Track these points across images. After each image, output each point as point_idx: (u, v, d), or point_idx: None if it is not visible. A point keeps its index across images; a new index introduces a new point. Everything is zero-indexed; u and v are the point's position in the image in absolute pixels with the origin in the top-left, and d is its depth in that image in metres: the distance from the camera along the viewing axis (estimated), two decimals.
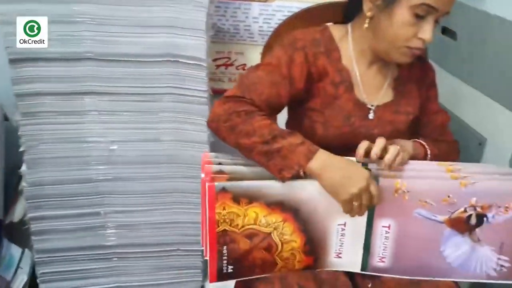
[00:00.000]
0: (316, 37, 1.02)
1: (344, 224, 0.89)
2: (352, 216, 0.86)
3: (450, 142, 1.13)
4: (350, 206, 0.84)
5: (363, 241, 0.91)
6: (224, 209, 0.85)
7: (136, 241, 1.51)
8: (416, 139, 1.06)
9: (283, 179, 0.85)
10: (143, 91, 1.34)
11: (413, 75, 1.09)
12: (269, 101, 0.95)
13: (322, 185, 0.85)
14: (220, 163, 0.91)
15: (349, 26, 1.04)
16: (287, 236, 0.89)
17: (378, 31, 0.96)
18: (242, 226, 0.87)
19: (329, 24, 1.07)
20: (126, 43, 1.29)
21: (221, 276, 0.90)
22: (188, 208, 1.50)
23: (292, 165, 0.84)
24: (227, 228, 0.86)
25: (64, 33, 1.27)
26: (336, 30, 1.05)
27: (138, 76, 1.33)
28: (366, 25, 0.97)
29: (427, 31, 0.91)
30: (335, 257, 0.92)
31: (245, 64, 1.72)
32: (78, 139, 1.37)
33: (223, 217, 0.85)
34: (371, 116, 1.03)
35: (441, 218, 0.89)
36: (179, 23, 1.29)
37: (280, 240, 0.89)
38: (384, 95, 1.06)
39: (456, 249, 0.91)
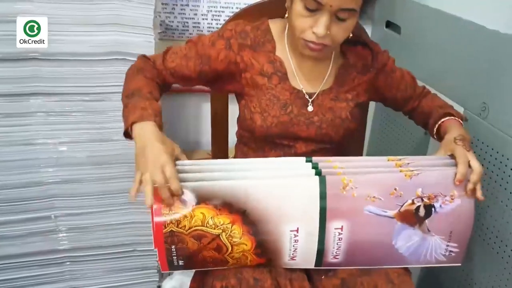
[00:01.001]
0: (246, 29, 1.05)
1: (297, 230, 0.89)
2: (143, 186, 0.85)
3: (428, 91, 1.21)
4: (138, 178, 0.85)
5: (316, 245, 0.91)
6: (170, 210, 0.85)
7: (89, 243, 1.48)
8: (446, 117, 1.08)
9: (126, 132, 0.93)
10: (91, 91, 1.32)
11: (357, 62, 1.11)
12: (175, 71, 1.06)
13: (135, 148, 0.89)
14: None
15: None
16: (236, 239, 0.89)
17: (290, 22, 1.00)
18: (190, 228, 0.86)
19: (274, 19, 1.09)
20: (72, 42, 1.27)
21: (172, 267, 0.91)
22: (142, 208, 1.48)
23: (127, 121, 0.91)
24: (174, 229, 0.86)
25: (7, 33, 1.22)
26: (276, 24, 1.08)
27: (85, 75, 1.30)
28: (286, 15, 1.01)
29: (319, 25, 0.92)
30: (288, 260, 0.93)
31: None
32: (25, 141, 1.33)
33: (170, 218, 0.86)
34: (309, 104, 1.06)
35: (391, 213, 0.90)
36: (126, 21, 1.27)
37: (230, 243, 0.89)
38: (325, 83, 1.09)
39: (407, 241, 0.93)
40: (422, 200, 0.90)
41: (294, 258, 0.93)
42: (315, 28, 0.92)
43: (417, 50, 1.44)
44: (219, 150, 1.39)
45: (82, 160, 1.38)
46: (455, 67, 1.26)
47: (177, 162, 0.90)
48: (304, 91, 1.06)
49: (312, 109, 1.06)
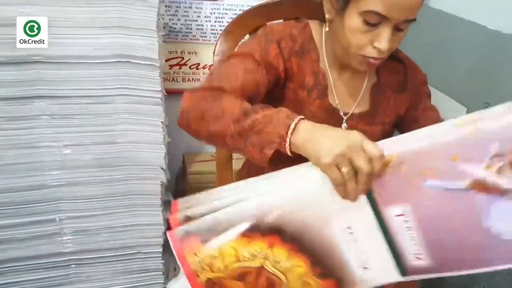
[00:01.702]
0: (294, 33, 0.94)
1: (350, 227, 0.71)
2: (347, 196, 0.66)
3: None
4: (336, 173, 0.64)
5: (383, 240, 0.71)
6: (196, 255, 0.71)
7: (94, 246, 1.48)
8: None
9: (265, 159, 0.71)
10: (94, 93, 1.32)
11: (391, 79, 1.01)
12: (244, 89, 0.83)
13: (307, 155, 0.68)
14: (189, 207, 0.75)
15: (324, 26, 0.95)
16: (284, 263, 0.72)
17: (335, 36, 0.89)
18: (226, 268, 0.72)
19: (313, 21, 0.98)
20: (75, 45, 1.27)
21: None
22: (147, 210, 1.49)
23: (271, 138, 0.69)
24: (210, 276, 0.72)
25: (11, 36, 1.23)
26: (317, 29, 0.97)
27: (89, 78, 1.30)
28: (326, 28, 0.92)
29: (381, 40, 0.82)
30: (363, 270, 0.73)
31: (198, 64, 1.72)
32: (30, 144, 1.33)
33: (199, 264, 0.72)
34: (343, 126, 0.97)
35: (463, 183, 0.63)
36: (129, 23, 1.27)
37: (279, 270, 0.72)
38: (360, 103, 0.99)
39: (506, 218, 0.64)
40: (503, 158, 0.60)
41: (367, 265, 0.73)
42: (378, 43, 0.82)
43: (419, 50, 1.44)
44: (223, 154, 1.39)
45: (87, 162, 1.38)
46: (457, 67, 1.26)
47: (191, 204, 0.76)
48: (340, 110, 0.96)
49: (346, 127, 0.97)
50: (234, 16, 1.27)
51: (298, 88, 0.94)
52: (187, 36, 1.64)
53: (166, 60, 1.68)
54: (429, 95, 1.05)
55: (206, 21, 1.63)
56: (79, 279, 1.52)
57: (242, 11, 1.27)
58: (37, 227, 1.41)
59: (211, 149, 1.18)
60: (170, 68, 1.71)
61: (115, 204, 1.45)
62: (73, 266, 1.49)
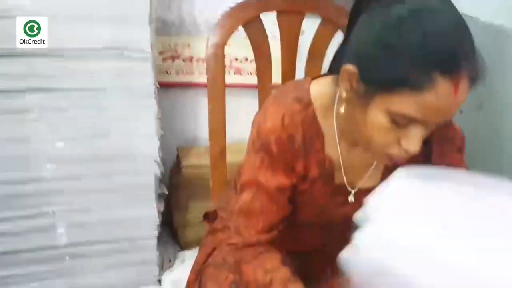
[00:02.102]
0: (292, 132, 0.80)
1: None
2: None
3: None
4: None
5: None
6: None
7: (88, 239, 1.49)
8: None
9: None
10: (87, 86, 1.32)
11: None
12: (273, 223, 0.85)
13: None
14: None
15: (336, 97, 0.79)
16: None
17: (353, 120, 0.74)
18: None
19: (316, 84, 0.83)
20: (67, 38, 1.27)
21: None
22: (141, 203, 1.49)
23: None
24: None
25: (3, 29, 1.22)
26: (319, 101, 0.82)
27: (81, 71, 1.30)
28: (342, 110, 0.76)
29: (411, 141, 0.69)
30: None
31: (192, 57, 1.72)
32: (22, 138, 1.33)
33: None
34: (350, 199, 0.87)
35: None
36: (122, 16, 1.27)
37: None
38: (371, 176, 0.88)
39: None
40: None
41: None
42: (407, 144, 0.69)
43: None
44: (217, 147, 1.38)
45: (80, 156, 1.38)
46: None
47: None
48: (347, 186, 0.87)
49: (353, 205, 0.84)
50: (227, 9, 1.27)
51: (302, 184, 0.86)
52: (181, 29, 1.64)
53: (159, 53, 1.68)
54: (459, 151, 0.88)
55: (200, 14, 1.62)
56: (73, 272, 1.52)
57: (235, 4, 1.27)
58: (31, 220, 1.41)
59: (205, 142, 1.19)
60: (163, 61, 1.71)
61: (109, 197, 1.46)
62: (67, 258, 1.50)
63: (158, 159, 1.45)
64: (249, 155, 0.85)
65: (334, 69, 0.81)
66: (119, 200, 1.47)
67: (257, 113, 0.85)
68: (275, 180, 0.82)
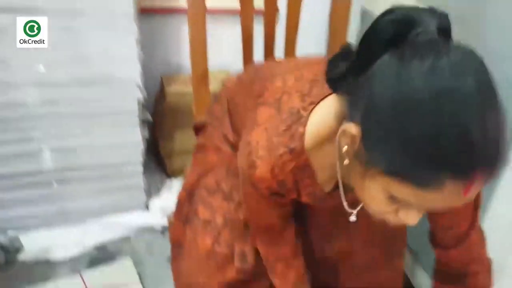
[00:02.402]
0: (281, 178, 0.76)
1: None
2: None
3: None
4: None
5: None
6: None
7: (75, 165, 1.50)
8: None
9: None
10: (64, 7, 1.28)
11: None
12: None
13: None
14: None
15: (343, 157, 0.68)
16: None
17: (352, 177, 0.68)
18: None
19: (308, 125, 0.73)
20: None
21: None
22: (125, 129, 1.50)
23: None
24: None
25: None
26: (315, 139, 0.73)
27: None
28: (346, 161, 0.67)
29: (410, 217, 0.65)
30: None
31: None
32: (2, 60, 1.30)
33: None
34: (352, 218, 0.81)
35: None
36: None
37: None
38: None
39: None
40: None
41: None
42: (405, 218, 0.66)
43: None
44: (199, 70, 1.37)
45: (62, 80, 1.37)
46: None
47: None
48: (346, 208, 0.81)
49: (354, 220, 0.81)
50: None
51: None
52: None
53: None
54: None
55: None
56: (62, 197, 1.55)
57: None
58: (15, 145, 1.42)
59: (189, 71, 1.18)
60: None
61: (93, 123, 1.46)
62: (55, 184, 1.52)
63: (140, 84, 1.44)
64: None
65: (337, 88, 0.70)
66: (103, 125, 1.47)
67: (244, 148, 0.78)
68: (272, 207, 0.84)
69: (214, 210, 0.93)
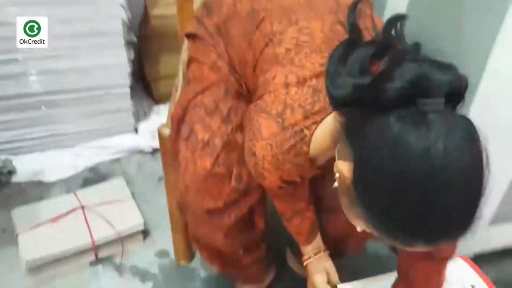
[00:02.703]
0: (291, 179, 0.85)
1: None
2: None
3: None
4: None
5: None
6: None
7: (62, 87, 1.51)
8: None
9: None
10: None
11: None
12: None
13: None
14: None
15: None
16: None
17: (341, 197, 0.73)
18: None
19: (312, 143, 0.78)
20: None
21: None
22: (111, 50, 1.50)
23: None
24: None
25: None
26: (319, 151, 0.79)
27: None
28: (335, 184, 0.72)
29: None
30: None
31: None
32: None
33: None
34: None
35: None
36: None
37: None
38: None
39: None
40: None
41: None
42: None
43: None
44: None
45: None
46: None
47: None
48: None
49: None
50: None
51: None
52: None
53: None
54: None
55: None
56: (51, 121, 1.57)
57: None
58: (1, 67, 1.41)
59: None
60: None
61: (78, 44, 1.45)
62: (43, 107, 1.53)
63: (124, 3, 1.42)
64: None
65: (337, 108, 0.71)
66: (88, 47, 1.47)
67: (250, 157, 0.84)
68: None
69: (213, 133, 0.94)
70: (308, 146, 0.77)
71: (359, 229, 0.71)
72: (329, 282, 1.02)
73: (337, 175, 0.69)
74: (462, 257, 1.08)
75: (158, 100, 1.86)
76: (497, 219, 1.24)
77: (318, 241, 1.03)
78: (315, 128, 0.76)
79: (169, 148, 1.08)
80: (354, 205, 0.65)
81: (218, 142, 0.94)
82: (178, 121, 1.01)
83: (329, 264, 1.03)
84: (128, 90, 1.60)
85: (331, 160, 0.73)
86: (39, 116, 1.54)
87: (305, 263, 1.04)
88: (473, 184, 0.58)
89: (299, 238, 1.02)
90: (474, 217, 0.58)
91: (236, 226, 0.98)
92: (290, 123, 0.77)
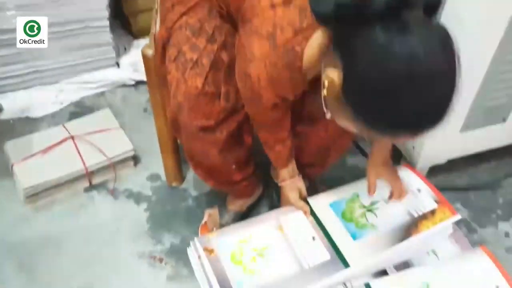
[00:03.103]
0: (284, 95, 0.91)
1: None
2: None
3: None
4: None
5: None
6: None
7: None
8: None
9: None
10: None
11: None
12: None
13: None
14: None
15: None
16: None
17: (329, 103, 0.79)
18: None
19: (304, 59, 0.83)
20: None
21: None
22: None
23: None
24: None
25: None
26: (309, 61, 0.83)
27: None
28: (323, 92, 0.77)
29: (365, 134, 0.79)
30: None
31: None
32: None
33: None
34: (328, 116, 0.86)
35: None
36: None
37: None
38: None
39: None
40: None
41: None
42: (361, 134, 0.80)
43: None
44: None
45: None
46: None
47: None
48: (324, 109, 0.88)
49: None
50: None
51: None
52: None
53: None
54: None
55: None
56: (32, 56, 1.58)
57: None
58: None
59: None
60: None
61: None
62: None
63: None
64: None
65: (323, 23, 0.75)
66: None
67: (244, 80, 0.90)
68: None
69: (201, 53, 0.98)
70: (301, 61, 0.82)
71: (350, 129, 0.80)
72: (300, 198, 1.15)
73: (326, 83, 0.75)
74: (406, 165, 1.23)
75: (137, 35, 1.87)
76: (467, 126, 1.31)
77: (293, 166, 1.14)
78: (306, 44, 0.81)
79: (154, 68, 1.12)
80: (342, 109, 0.74)
81: (206, 61, 0.98)
82: (163, 43, 1.04)
83: (301, 184, 1.15)
84: (107, 22, 1.61)
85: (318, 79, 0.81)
86: (19, 52, 1.54)
87: (280, 184, 1.15)
88: (449, 81, 0.68)
89: (279, 162, 1.12)
90: (449, 109, 0.69)
91: (228, 142, 1.04)
92: (281, 42, 0.82)
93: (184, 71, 0.98)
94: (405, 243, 1.04)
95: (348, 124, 0.77)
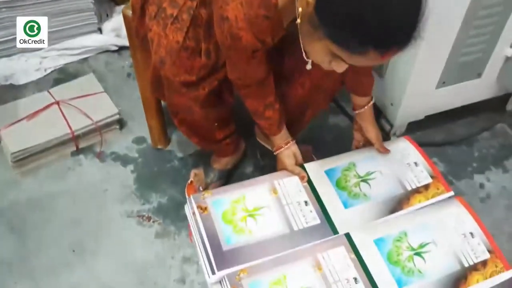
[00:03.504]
0: (262, 38, 0.91)
1: None
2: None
3: None
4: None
5: None
6: None
7: None
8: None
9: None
10: None
11: None
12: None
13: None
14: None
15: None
16: None
17: (302, 35, 0.86)
18: None
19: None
20: None
21: None
22: None
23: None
24: None
25: None
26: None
27: None
28: (298, 21, 0.84)
29: (339, 67, 0.85)
30: None
31: None
32: None
33: None
34: (308, 67, 0.95)
35: None
36: None
37: None
38: None
39: None
40: None
41: None
42: (336, 68, 0.86)
43: None
44: None
45: None
46: None
47: None
48: (304, 57, 0.95)
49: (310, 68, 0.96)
50: None
51: None
52: None
53: None
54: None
55: None
56: (12, 23, 1.56)
57: None
58: None
59: None
60: None
61: None
62: (4, 9, 1.53)
63: None
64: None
65: None
66: None
67: (222, 24, 0.89)
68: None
69: (180, 8, 1.00)
70: None
71: (325, 66, 0.87)
72: (296, 164, 1.16)
73: (299, 9, 0.81)
74: (406, 137, 1.24)
75: (119, 1, 1.86)
76: (443, 82, 1.35)
77: (286, 132, 1.15)
78: None
79: (133, 30, 1.13)
80: (316, 33, 0.78)
81: (186, 17, 1.00)
82: (142, 3, 1.05)
83: (295, 149, 1.17)
84: None
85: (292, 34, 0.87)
86: (0, 18, 1.54)
87: (276, 153, 1.16)
88: (416, 3, 0.73)
89: (272, 129, 1.13)
90: (416, 29, 0.74)
91: (209, 99, 1.07)
92: None
93: (165, 26, 1.00)
94: (394, 215, 1.07)
95: (322, 54, 0.83)
